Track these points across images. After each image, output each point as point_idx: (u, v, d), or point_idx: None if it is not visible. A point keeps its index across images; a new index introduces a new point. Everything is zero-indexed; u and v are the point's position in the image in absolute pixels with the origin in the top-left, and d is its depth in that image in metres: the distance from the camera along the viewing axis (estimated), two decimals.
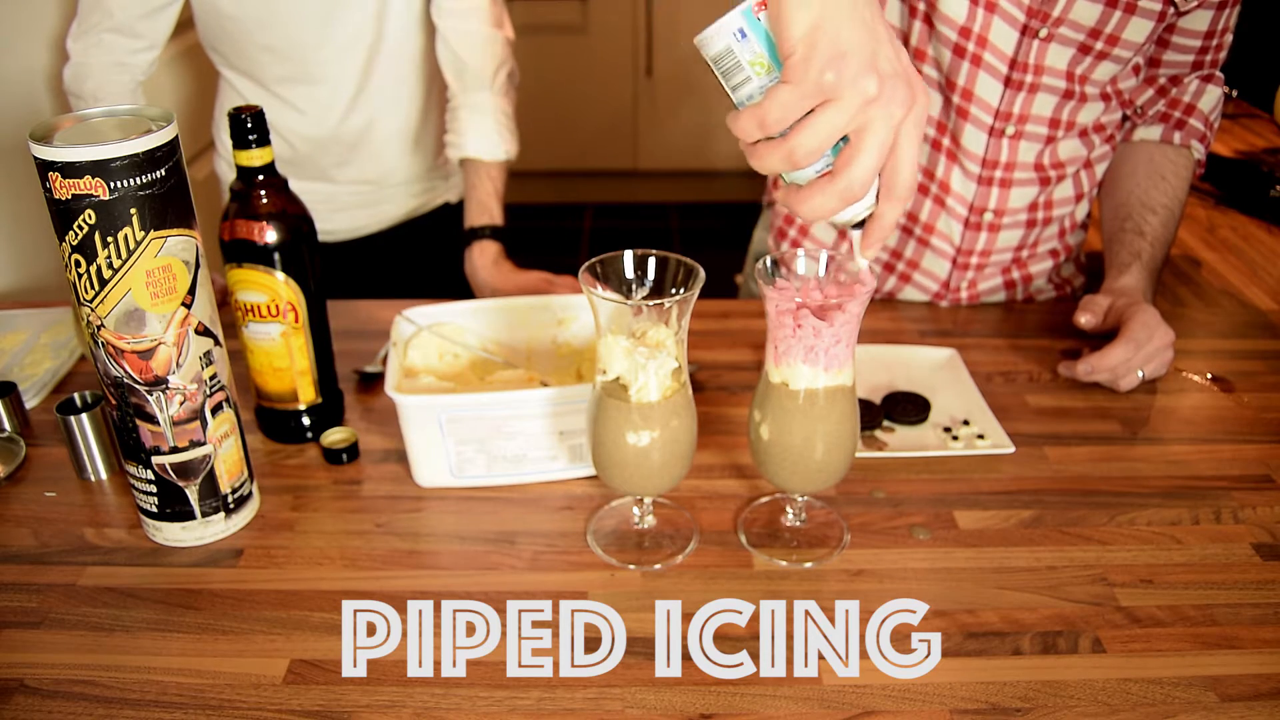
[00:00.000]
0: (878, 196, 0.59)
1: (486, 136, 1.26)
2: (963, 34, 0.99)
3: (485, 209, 1.26)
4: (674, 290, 0.68)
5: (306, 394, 0.87)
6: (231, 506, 0.77)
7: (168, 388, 0.70)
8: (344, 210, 1.39)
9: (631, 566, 0.74)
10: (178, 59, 1.84)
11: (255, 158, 0.80)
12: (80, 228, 0.64)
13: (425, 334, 0.90)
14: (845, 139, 0.56)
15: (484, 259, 1.24)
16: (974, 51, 0.99)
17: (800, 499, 0.78)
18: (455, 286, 1.32)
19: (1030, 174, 1.07)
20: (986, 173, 1.06)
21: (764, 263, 0.69)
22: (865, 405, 0.90)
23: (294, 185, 0.84)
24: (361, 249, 1.44)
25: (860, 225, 0.61)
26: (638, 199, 3.75)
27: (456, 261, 1.30)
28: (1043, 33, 0.97)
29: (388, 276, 1.47)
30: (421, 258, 1.48)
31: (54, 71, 1.52)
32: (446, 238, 1.43)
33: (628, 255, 0.69)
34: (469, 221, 1.26)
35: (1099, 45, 0.98)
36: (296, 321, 0.84)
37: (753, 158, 0.58)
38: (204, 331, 0.71)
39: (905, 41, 1.03)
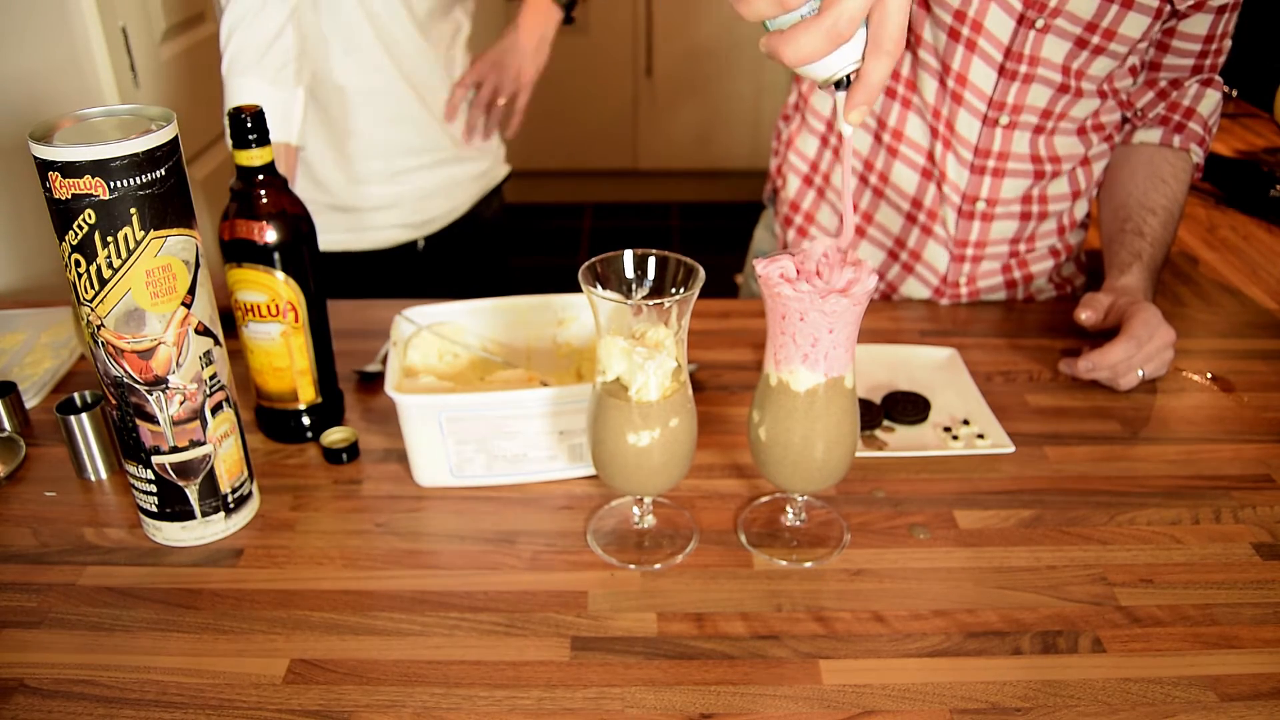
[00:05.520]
0: (864, 55, 0.59)
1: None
2: (958, 18, 0.99)
3: None
4: (674, 290, 0.68)
5: (306, 394, 0.87)
6: (231, 506, 0.77)
7: (168, 387, 0.70)
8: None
9: (631, 566, 0.74)
10: (178, 58, 1.84)
11: (255, 158, 0.80)
12: (80, 227, 0.64)
13: (425, 334, 0.90)
14: None
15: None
16: (969, 36, 0.99)
17: (800, 499, 0.78)
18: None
19: (1024, 165, 1.07)
20: (979, 161, 1.06)
21: (764, 261, 0.69)
22: (865, 405, 0.90)
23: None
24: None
25: (846, 88, 0.61)
26: (638, 199, 3.75)
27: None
28: (1039, 23, 0.97)
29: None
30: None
31: (54, 71, 1.52)
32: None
33: (627, 255, 0.69)
34: None
35: (1095, 39, 0.98)
36: (296, 321, 0.84)
37: (740, 3, 0.58)
38: (204, 331, 0.71)
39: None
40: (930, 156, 1.09)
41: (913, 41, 1.04)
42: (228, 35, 1.15)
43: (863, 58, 0.59)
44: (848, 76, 0.61)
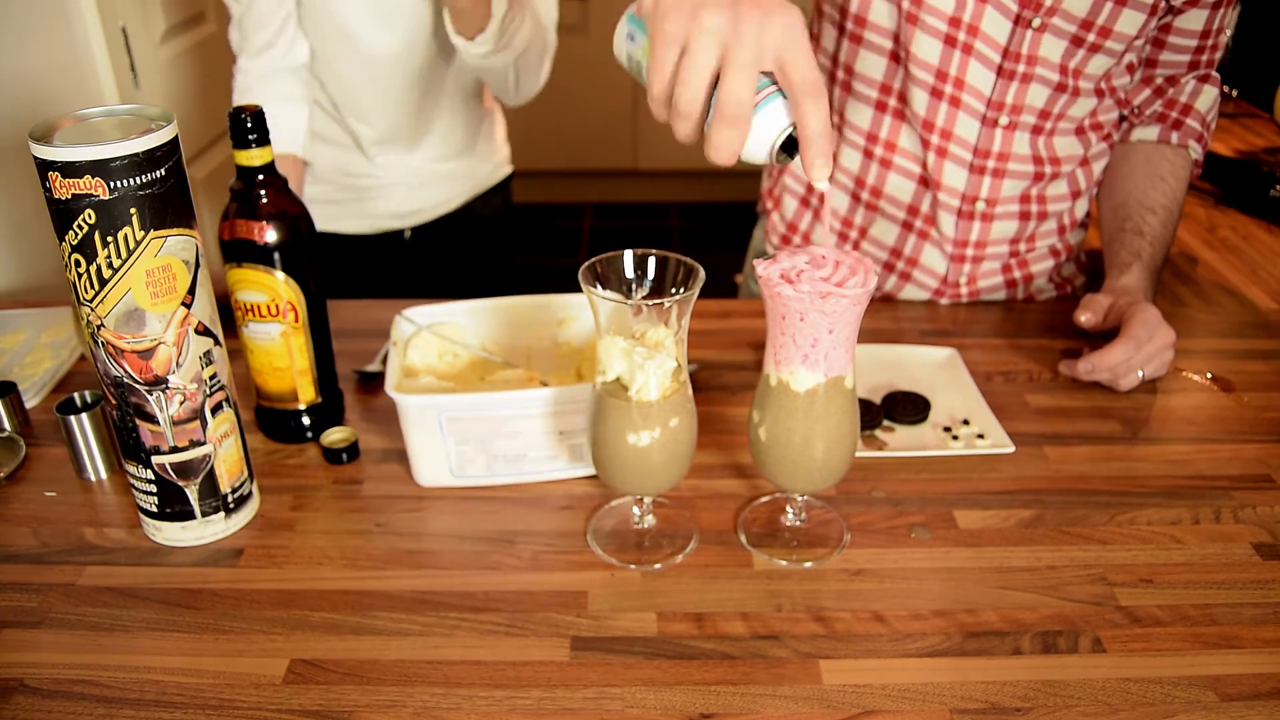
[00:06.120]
0: (789, 113, 0.61)
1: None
2: (952, 24, 0.99)
3: None
4: (674, 290, 0.68)
5: (306, 394, 0.87)
6: (231, 506, 0.77)
7: (168, 387, 0.70)
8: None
9: (631, 566, 0.74)
10: (178, 58, 1.84)
11: (255, 157, 0.80)
12: (80, 227, 0.64)
13: (425, 334, 0.90)
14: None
15: None
16: (965, 41, 0.99)
17: (800, 499, 0.78)
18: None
19: (1023, 166, 1.07)
20: (979, 161, 1.06)
21: (764, 261, 0.69)
22: (865, 405, 0.90)
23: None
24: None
25: (797, 152, 0.62)
26: (638, 199, 3.75)
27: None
28: (1035, 22, 0.97)
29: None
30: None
31: (54, 71, 1.52)
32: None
33: (627, 255, 0.69)
34: None
35: (1091, 37, 0.98)
36: (296, 321, 0.84)
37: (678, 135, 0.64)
38: (204, 331, 0.71)
39: (895, 38, 1.03)
40: (924, 164, 1.09)
41: (903, 56, 1.03)
42: (242, 72, 1.24)
43: (790, 117, 0.61)
44: (790, 140, 0.61)
